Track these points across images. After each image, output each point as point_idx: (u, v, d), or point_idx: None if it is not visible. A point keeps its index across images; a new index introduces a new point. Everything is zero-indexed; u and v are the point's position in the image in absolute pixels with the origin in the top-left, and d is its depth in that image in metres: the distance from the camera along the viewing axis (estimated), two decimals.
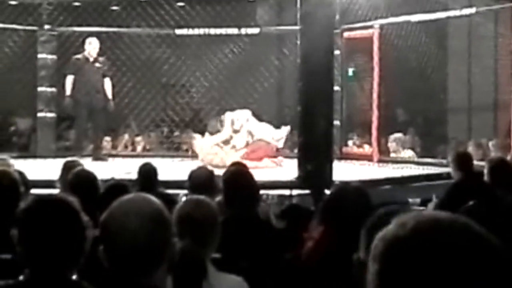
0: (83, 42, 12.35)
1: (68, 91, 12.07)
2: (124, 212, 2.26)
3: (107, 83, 12.18)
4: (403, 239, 1.23)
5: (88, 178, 5.68)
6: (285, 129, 11.39)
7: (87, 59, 12.13)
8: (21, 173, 5.50)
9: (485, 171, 6.54)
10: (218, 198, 4.98)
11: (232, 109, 11.86)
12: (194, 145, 11.83)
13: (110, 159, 12.28)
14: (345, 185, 4.09)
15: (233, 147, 11.06)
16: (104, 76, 12.18)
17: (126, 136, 14.22)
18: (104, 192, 5.11)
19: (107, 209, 2.30)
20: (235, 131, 11.20)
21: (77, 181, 5.60)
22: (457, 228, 1.25)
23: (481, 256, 1.22)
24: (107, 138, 14.01)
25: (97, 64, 12.15)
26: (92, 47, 12.16)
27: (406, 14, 11.90)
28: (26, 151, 13.57)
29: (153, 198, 2.34)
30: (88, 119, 12.23)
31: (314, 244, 3.30)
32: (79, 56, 12.21)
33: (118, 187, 5.13)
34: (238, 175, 4.98)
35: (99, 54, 12.26)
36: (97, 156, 12.00)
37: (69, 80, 12.05)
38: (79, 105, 12.08)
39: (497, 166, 6.52)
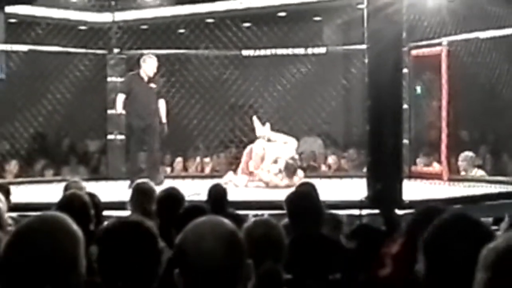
0: (138, 60, 11.84)
1: (118, 109, 11.61)
2: (200, 233, 2.28)
3: (162, 105, 11.54)
4: None
5: (177, 197, 5.80)
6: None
7: (142, 78, 11.50)
8: (92, 195, 5.59)
9: None
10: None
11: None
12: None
13: (181, 180, 12.32)
14: (430, 205, 4.04)
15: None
16: (159, 97, 11.56)
17: (198, 158, 14.27)
18: (182, 213, 5.15)
19: (182, 231, 2.32)
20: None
21: (167, 199, 5.73)
22: None
23: None
24: (179, 159, 14.12)
25: (152, 84, 11.51)
26: (148, 65, 11.52)
27: (475, 30, 11.77)
28: (96, 173, 13.76)
29: (225, 220, 2.35)
30: (142, 143, 11.65)
31: (393, 263, 3.27)
32: (134, 72, 11.74)
33: (196, 208, 5.16)
34: (303, 195, 4.95)
35: (155, 74, 11.67)
36: (156, 181, 11.15)
37: (120, 99, 11.46)
38: (131, 128, 11.72)
39: None
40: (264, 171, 11.17)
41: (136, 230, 2.68)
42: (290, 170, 10.94)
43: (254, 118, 12.11)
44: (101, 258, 2.67)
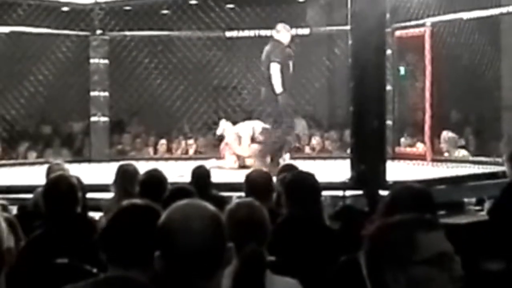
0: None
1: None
2: (186, 214, 2.27)
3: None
4: None
5: (160, 179, 5.78)
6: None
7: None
8: (78, 178, 5.57)
9: None
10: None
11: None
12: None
13: (164, 162, 12.32)
14: (407, 185, 4.04)
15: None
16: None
17: (182, 141, 14.26)
18: (168, 195, 5.13)
19: (165, 213, 2.30)
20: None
21: (150, 182, 5.72)
22: None
23: None
24: (162, 141, 14.10)
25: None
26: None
27: (458, 11, 11.77)
28: (79, 155, 13.71)
29: (207, 203, 2.35)
30: None
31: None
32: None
33: (182, 190, 5.14)
34: (303, 176, 4.94)
35: None
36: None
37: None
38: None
39: None
40: (244, 147, 11.25)
41: (146, 211, 2.74)
42: (267, 133, 11.00)
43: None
44: (108, 235, 2.72)
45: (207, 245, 2.23)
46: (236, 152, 11.42)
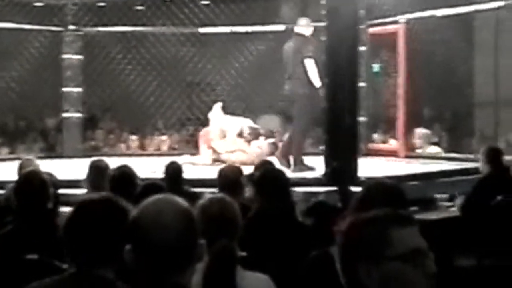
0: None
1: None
2: (158, 209, 2.26)
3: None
4: None
5: (129, 175, 5.77)
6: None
7: None
8: (50, 174, 5.54)
9: None
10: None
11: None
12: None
13: (137, 158, 12.29)
14: (378, 181, 4.05)
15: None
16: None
17: (156, 136, 14.23)
18: (140, 191, 5.11)
19: (137, 207, 2.29)
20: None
21: (120, 177, 5.69)
22: None
23: None
24: (133, 137, 14.07)
25: None
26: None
27: (431, 8, 11.82)
28: (52, 151, 13.63)
29: (179, 198, 2.34)
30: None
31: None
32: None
33: (154, 186, 5.13)
34: (271, 172, 4.98)
35: None
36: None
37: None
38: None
39: None
40: (228, 143, 11.27)
41: (107, 205, 2.72)
42: (255, 133, 11.05)
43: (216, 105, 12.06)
44: (69, 229, 2.69)
45: (179, 240, 2.23)
46: (214, 146, 11.40)
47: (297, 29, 10.39)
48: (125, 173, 5.86)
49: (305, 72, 9.88)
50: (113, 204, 2.74)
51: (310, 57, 9.95)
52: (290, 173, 8.84)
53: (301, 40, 10.21)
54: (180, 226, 2.24)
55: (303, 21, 10.46)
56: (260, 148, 11.23)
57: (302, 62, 9.94)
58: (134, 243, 2.25)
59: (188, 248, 2.25)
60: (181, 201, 2.32)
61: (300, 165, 9.88)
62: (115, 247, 2.42)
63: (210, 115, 11.82)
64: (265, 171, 5.00)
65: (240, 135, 11.30)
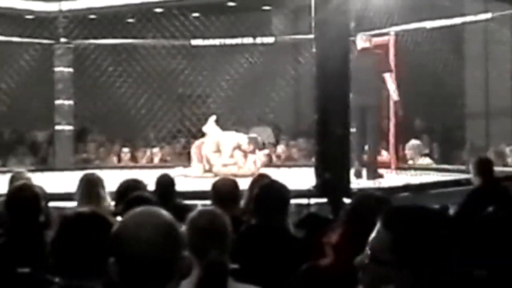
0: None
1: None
2: (138, 222, 2.27)
3: None
4: None
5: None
6: None
7: None
8: (40, 188, 5.53)
9: None
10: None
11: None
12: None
13: (129, 171, 12.26)
14: (368, 193, 4.05)
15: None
16: None
17: (148, 149, 14.22)
18: (127, 204, 5.11)
19: (120, 220, 2.31)
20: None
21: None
22: None
23: None
24: (125, 150, 14.06)
25: None
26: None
27: (421, 20, 11.87)
28: (44, 164, 13.62)
29: (164, 211, 2.35)
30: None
31: (334, 252, 3.28)
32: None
33: (140, 199, 5.12)
34: (274, 186, 4.94)
35: None
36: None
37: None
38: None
39: None
40: (224, 157, 11.25)
41: (94, 219, 2.75)
42: (255, 143, 11.08)
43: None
44: (57, 243, 2.73)
45: (160, 253, 2.23)
46: (209, 160, 11.38)
47: (363, 45, 10.56)
48: (133, 188, 5.82)
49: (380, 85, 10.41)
50: (99, 217, 2.76)
51: (388, 71, 10.52)
52: (365, 181, 9.89)
53: (370, 55, 10.51)
54: (160, 239, 2.24)
55: (365, 36, 10.69)
56: (255, 162, 11.21)
57: (379, 76, 10.36)
58: (116, 256, 2.27)
59: (169, 261, 2.26)
60: (164, 213, 2.32)
61: (374, 173, 10.24)
62: (103, 259, 2.43)
63: (205, 128, 11.79)
64: (266, 187, 4.95)
65: (238, 148, 11.27)
